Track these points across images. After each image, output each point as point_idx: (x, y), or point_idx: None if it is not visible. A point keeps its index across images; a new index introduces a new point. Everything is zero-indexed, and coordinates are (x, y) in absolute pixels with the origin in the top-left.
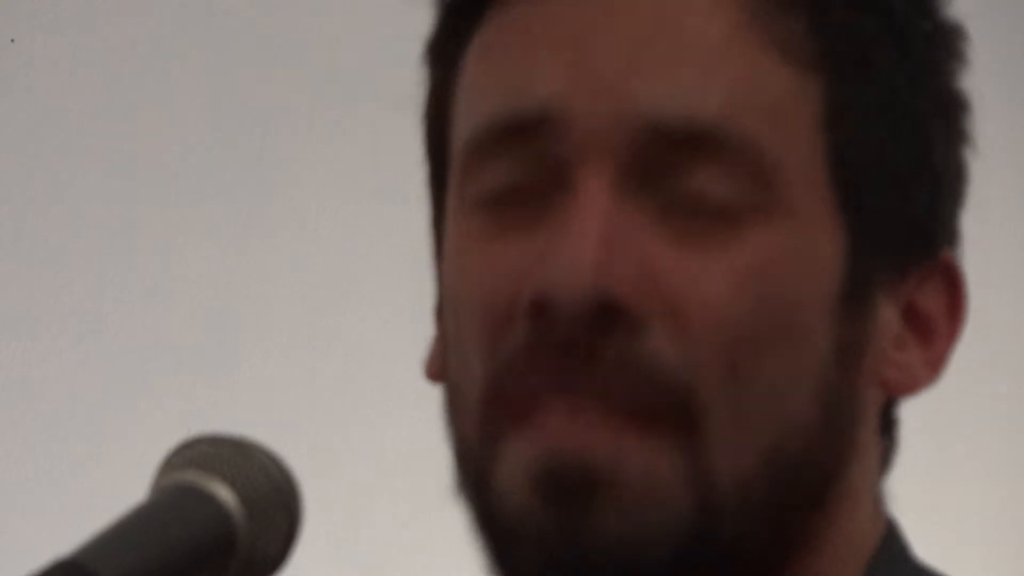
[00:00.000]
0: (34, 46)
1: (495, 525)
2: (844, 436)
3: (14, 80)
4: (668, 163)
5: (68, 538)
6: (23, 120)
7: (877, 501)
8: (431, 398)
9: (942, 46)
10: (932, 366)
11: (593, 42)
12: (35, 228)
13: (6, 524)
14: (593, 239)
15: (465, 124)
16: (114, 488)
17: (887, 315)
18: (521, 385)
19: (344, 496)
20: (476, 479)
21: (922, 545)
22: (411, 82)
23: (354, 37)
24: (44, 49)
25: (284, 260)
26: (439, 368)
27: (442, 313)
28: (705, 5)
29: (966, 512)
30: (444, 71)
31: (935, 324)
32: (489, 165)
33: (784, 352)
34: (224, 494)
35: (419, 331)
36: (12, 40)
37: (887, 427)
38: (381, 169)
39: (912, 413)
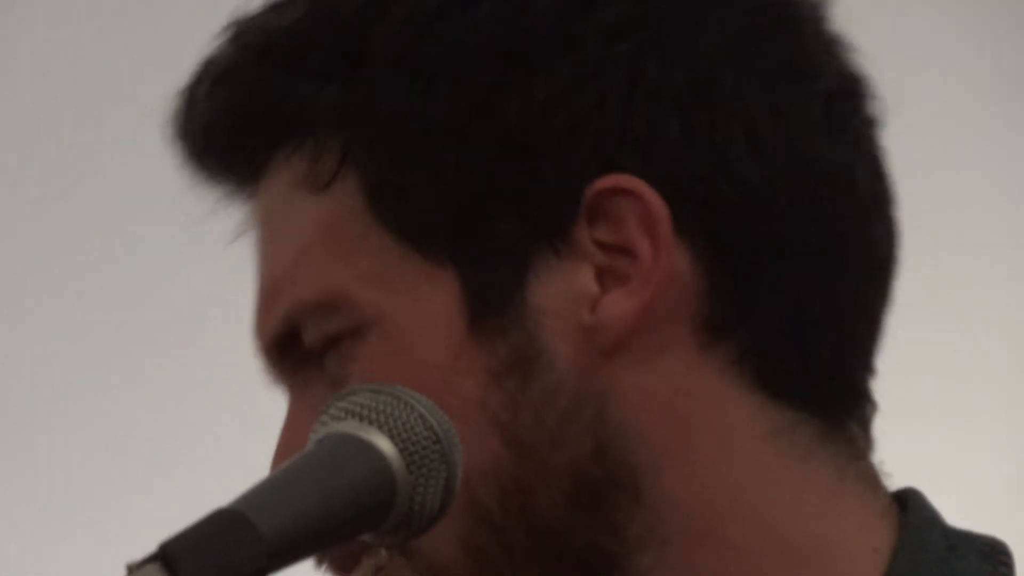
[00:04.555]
0: None
1: None
2: (596, 431)
3: None
4: (299, 355)
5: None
6: None
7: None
8: None
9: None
10: (644, 279)
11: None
12: None
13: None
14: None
15: None
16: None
17: (558, 287)
18: None
19: None
20: None
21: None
22: None
23: None
24: None
25: None
26: None
27: None
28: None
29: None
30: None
31: (631, 242)
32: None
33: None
34: (384, 445)
35: None
36: None
37: (779, 385)
38: None
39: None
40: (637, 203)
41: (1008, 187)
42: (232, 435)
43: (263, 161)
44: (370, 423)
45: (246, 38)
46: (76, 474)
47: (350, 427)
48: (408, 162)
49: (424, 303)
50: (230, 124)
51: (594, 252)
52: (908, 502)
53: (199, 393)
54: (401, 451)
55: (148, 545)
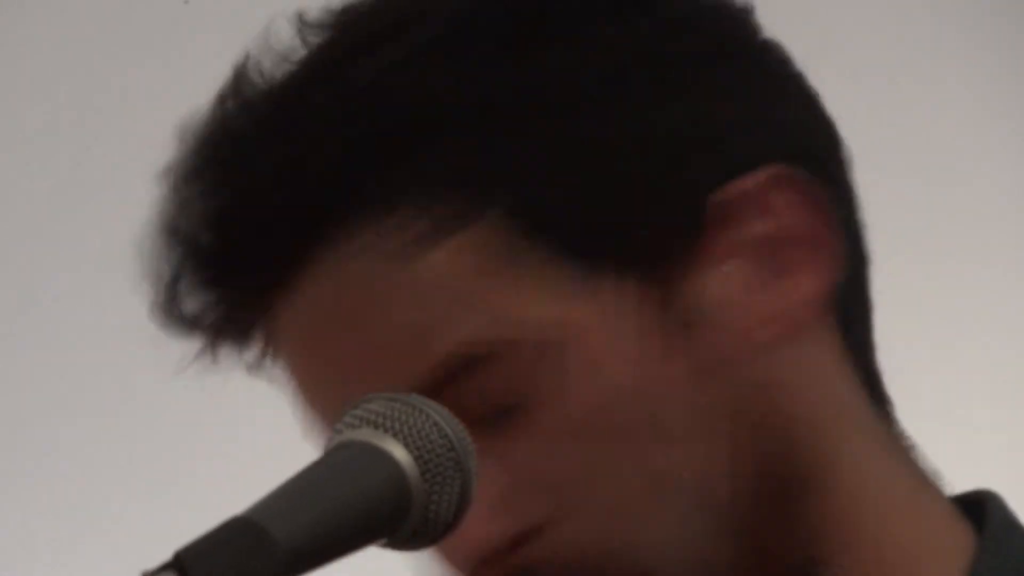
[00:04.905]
0: None
1: None
2: (787, 429)
3: None
4: None
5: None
6: None
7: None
8: None
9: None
10: (814, 274)
11: (320, 385)
12: None
13: None
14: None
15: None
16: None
17: (723, 289)
18: None
19: None
20: None
21: None
22: None
23: None
24: None
25: None
26: None
27: None
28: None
29: None
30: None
31: (795, 235)
32: None
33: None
34: (398, 453)
35: None
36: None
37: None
38: None
39: None
40: (790, 189)
41: (1007, 188)
42: (248, 443)
43: (289, 265)
44: (385, 431)
45: (251, 113)
46: (91, 481)
47: (365, 435)
48: (550, 186)
49: (601, 324)
50: (257, 221)
51: (756, 245)
52: (987, 503)
53: (216, 400)
54: (416, 459)
55: (163, 553)
